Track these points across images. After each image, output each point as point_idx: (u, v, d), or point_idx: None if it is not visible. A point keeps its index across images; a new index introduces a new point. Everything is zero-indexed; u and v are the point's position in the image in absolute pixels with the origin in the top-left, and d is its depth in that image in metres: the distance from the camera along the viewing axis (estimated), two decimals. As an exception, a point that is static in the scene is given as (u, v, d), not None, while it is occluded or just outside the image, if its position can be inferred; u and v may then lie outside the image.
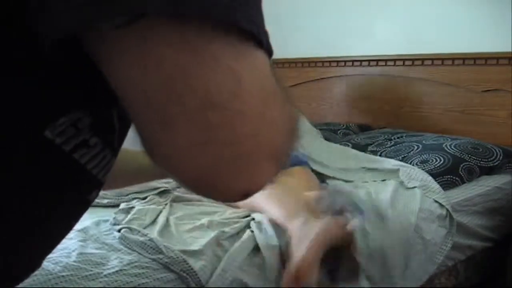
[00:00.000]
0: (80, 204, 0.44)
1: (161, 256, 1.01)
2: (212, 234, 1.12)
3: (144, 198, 1.38)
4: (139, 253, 1.03)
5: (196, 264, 1.00)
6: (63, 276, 0.92)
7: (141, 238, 1.07)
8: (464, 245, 1.64)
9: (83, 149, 0.38)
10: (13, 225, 0.38)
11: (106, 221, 1.23)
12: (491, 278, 1.89)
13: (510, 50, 2.07)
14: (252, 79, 0.32)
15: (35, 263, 0.45)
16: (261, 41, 0.33)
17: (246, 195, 0.37)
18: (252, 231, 1.17)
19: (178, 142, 0.32)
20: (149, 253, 1.03)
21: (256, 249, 1.12)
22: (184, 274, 0.99)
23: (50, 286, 0.89)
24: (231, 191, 0.36)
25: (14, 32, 0.33)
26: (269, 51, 0.34)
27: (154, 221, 1.21)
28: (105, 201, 1.37)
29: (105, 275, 0.95)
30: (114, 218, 1.23)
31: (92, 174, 0.41)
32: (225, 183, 0.35)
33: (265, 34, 0.34)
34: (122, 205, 1.32)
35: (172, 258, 1.01)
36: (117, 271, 0.96)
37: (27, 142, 0.36)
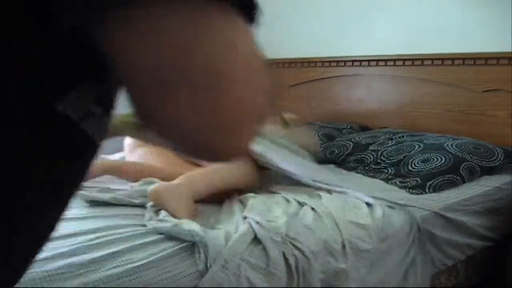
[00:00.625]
0: (81, 172, 0.45)
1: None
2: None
3: None
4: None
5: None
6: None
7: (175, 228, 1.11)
8: (464, 245, 1.64)
9: (89, 118, 0.40)
10: (18, 201, 0.38)
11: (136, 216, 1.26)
12: (491, 278, 1.89)
13: (510, 50, 2.07)
14: (245, 49, 0.36)
15: (38, 245, 0.45)
16: (252, 15, 0.36)
17: (237, 155, 0.40)
18: (249, 224, 1.19)
19: (180, 109, 0.34)
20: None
21: (255, 241, 1.14)
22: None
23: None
24: (225, 152, 0.39)
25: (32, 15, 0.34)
26: (254, 21, 0.38)
27: None
28: (137, 201, 1.38)
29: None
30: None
31: (93, 140, 0.42)
32: (221, 145, 0.38)
33: (255, 5, 0.37)
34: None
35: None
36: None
37: (38, 114, 0.36)
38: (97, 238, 1.07)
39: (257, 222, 1.20)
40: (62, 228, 1.10)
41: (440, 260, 1.56)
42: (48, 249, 0.98)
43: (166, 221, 1.16)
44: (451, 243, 1.58)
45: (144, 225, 1.19)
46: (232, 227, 1.22)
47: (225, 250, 1.06)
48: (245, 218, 1.27)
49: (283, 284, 1.10)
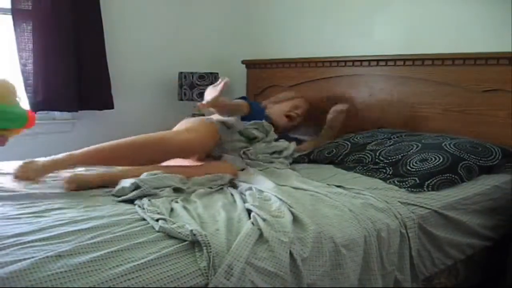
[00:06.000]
0: None
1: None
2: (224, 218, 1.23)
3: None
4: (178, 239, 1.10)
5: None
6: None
7: (179, 229, 1.12)
8: (464, 244, 1.64)
9: None
10: None
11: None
12: (491, 278, 1.89)
13: (510, 50, 2.07)
14: None
15: None
16: None
17: None
18: (253, 223, 1.19)
19: None
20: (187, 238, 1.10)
21: (260, 241, 1.14)
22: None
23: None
24: None
25: None
26: None
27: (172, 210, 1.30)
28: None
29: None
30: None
31: None
32: None
33: None
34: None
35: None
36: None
37: None
38: (96, 237, 1.07)
39: (264, 220, 1.20)
40: (60, 229, 1.11)
41: (440, 260, 1.56)
42: (48, 249, 0.98)
43: (170, 222, 1.17)
44: (451, 243, 1.59)
45: (140, 222, 1.20)
46: (235, 220, 1.24)
47: (229, 254, 1.05)
48: (248, 212, 1.29)
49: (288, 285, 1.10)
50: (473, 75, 2.20)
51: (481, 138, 2.03)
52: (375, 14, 2.62)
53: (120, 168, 1.65)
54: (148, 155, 1.66)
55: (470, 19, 2.24)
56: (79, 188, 1.50)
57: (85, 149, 1.63)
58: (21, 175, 1.49)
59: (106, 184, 1.54)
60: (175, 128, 1.95)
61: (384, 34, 2.57)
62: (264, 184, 1.55)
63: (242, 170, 1.82)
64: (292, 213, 1.29)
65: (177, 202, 1.37)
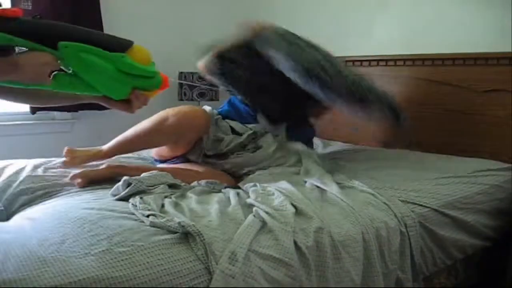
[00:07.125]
0: None
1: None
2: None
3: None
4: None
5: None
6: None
7: (169, 223, 1.12)
8: (465, 244, 1.63)
9: None
10: None
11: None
12: (491, 278, 1.88)
13: (510, 50, 2.07)
14: None
15: None
16: None
17: None
18: (254, 216, 1.20)
19: None
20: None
21: (262, 231, 1.15)
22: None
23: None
24: None
25: None
26: None
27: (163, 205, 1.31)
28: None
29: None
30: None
31: None
32: None
33: None
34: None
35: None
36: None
37: None
38: (88, 231, 1.08)
39: (267, 213, 1.21)
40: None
41: (441, 259, 1.55)
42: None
43: (160, 216, 1.17)
44: (453, 242, 1.58)
45: (130, 216, 1.21)
46: (229, 212, 1.25)
47: (231, 242, 1.06)
48: (248, 206, 1.30)
49: (300, 275, 1.10)
50: (473, 75, 2.20)
51: (481, 138, 2.04)
52: (375, 14, 2.62)
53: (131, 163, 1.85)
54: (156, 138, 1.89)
55: (470, 19, 2.24)
56: (90, 183, 1.57)
57: (115, 140, 1.85)
58: (69, 161, 1.71)
59: (116, 176, 1.60)
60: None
61: (384, 34, 2.57)
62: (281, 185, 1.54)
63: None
64: (295, 207, 1.29)
65: (170, 198, 1.37)
